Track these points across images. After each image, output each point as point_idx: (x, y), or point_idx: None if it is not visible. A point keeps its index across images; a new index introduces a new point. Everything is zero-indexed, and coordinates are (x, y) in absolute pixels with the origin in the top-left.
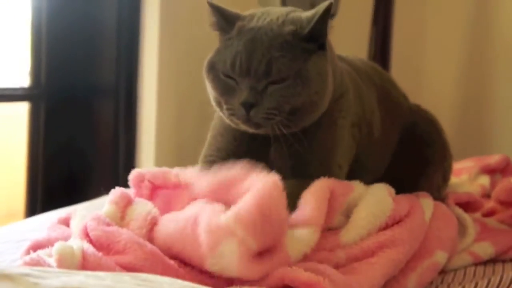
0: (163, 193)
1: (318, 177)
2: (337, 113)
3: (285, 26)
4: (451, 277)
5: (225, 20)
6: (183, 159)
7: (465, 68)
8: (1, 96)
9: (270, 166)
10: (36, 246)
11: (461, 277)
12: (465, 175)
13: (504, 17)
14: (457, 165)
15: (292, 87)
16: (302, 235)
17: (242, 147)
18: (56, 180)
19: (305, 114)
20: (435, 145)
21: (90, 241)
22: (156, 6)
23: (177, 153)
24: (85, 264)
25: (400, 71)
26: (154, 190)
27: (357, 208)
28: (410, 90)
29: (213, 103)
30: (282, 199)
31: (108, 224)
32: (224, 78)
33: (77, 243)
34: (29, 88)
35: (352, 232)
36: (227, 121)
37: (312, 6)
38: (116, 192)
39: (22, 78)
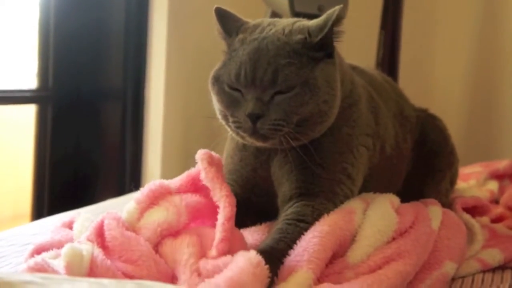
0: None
1: (323, 187)
2: (343, 122)
3: (292, 35)
4: (459, 284)
5: (229, 29)
6: (190, 163)
7: (473, 73)
8: (8, 98)
9: (275, 184)
10: (40, 250)
11: (469, 284)
12: (473, 180)
13: None
14: (465, 170)
15: (299, 96)
16: (299, 279)
17: (248, 168)
18: (62, 183)
19: (314, 124)
20: (443, 153)
21: (102, 242)
22: (164, 9)
23: (183, 156)
24: (93, 270)
25: (409, 76)
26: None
27: (361, 227)
28: (418, 95)
29: (219, 117)
30: (261, 278)
31: (127, 228)
32: (229, 90)
33: (87, 248)
34: (37, 90)
35: (359, 251)
36: (234, 135)
37: (320, 9)
38: (144, 190)
39: (29, 80)
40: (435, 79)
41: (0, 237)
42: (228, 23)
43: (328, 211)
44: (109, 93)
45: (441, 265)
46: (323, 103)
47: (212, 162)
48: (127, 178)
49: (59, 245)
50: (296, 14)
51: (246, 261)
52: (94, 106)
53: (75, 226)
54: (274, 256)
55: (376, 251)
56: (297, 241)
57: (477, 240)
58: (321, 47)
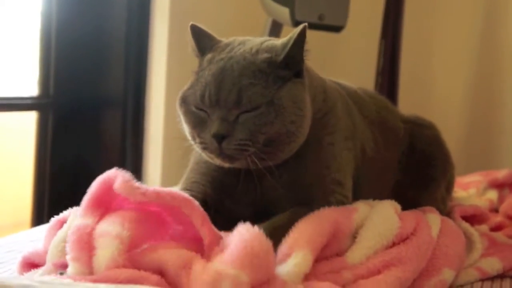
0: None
1: (315, 200)
2: (322, 131)
3: (259, 55)
4: None
5: (203, 48)
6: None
7: (473, 83)
8: (10, 105)
9: (261, 194)
10: (27, 262)
11: None
12: (473, 189)
13: None
14: (465, 179)
15: (264, 115)
16: (296, 259)
17: (230, 177)
18: (63, 190)
19: (282, 145)
20: (437, 161)
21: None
22: (165, 18)
23: (184, 164)
24: None
25: (409, 85)
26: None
27: (362, 228)
28: (418, 104)
29: (189, 137)
30: (267, 244)
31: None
32: (196, 110)
33: None
34: (38, 98)
35: (359, 252)
36: (203, 155)
37: (320, 18)
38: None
39: (30, 88)
40: (435, 88)
41: None
42: (203, 41)
43: None
44: (109, 101)
45: (439, 272)
46: (290, 123)
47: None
48: None
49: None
50: (297, 23)
51: (246, 232)
52: (95, 113)
53: (65, 225)
54: (273, 232)
55: (376, 254)
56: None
57: (476, 249)
58: (287, 66)
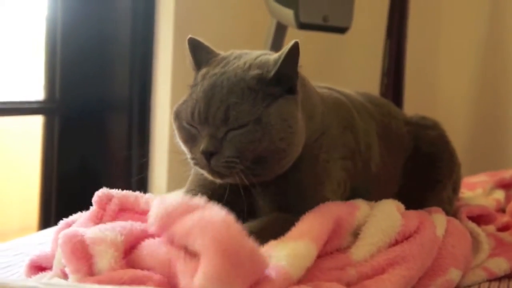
0: (128, 217)
1: (303, 211)
2: (317, 150)
3: (250, 71)
4: None
5: (200, 61)
6: None
7: (479, 82)
8: (16, 110)
9: (254, 206)
10: (34, 265)
11: None
12: (479, 190)
13: None
14: (471, 180)
15: (251, 133)
16: (298, 249)
17: (225, 189)
18: (69, 194)
19: (272, 162)
20: (442, 162)
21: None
22: (170, 20)
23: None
24: None
25: (414, 85)
26: (120, 212)
27: (365, 225)
28: (424, 104)
29: (185, 151)
30: (240, 234)
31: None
32: (187, 126)
33: None
34: (44, 102)
35: (362, 249)
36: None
37: (325, 20)
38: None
39: (36, 92)
40: (441, 87)
41: (7, 246)
42: (200, 54)
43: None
44: (115, 104)
45: (445, 272)
46: (279, 140)
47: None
48: (133, 189)
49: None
50: (301, 25)
51: (218, 224)
52: (100, 117)
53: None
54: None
55: (380, 252)
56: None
57: (483, 249)
58: (278, 82)
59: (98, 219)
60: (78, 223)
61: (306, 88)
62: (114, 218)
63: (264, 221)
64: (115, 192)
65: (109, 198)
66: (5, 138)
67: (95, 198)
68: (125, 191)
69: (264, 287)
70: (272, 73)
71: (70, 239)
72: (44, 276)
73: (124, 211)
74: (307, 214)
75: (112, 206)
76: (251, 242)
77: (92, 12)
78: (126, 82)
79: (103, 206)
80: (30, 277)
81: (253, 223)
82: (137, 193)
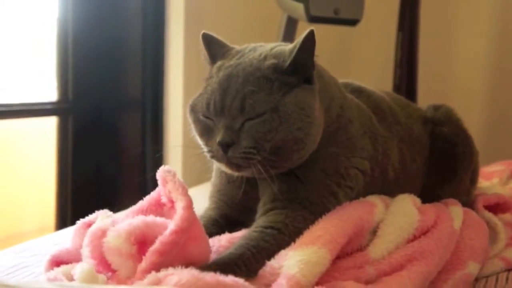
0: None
1: (303, 199)
2: (329, 144)
3: (266, 61)
4: (482, 284)
5: (214, 55)
6: (210, 172)
7: (493, 72)
8: (29, 111)
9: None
10: (56, 260)
11: (493, 284)
12: (496, 179)
13: None
14: (488, 169)
15: (268, 122)
16: (310, 255)
17: (238, 190)
18: (84, 194)
19: (290, 152)
20: (456, 157)
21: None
22: (181, 19)
23: (204, 165)
24: None
25: (428, 77)
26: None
27: (383, 222)
28: (437, 95)
29: (201, 145)
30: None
31: None
32: (203, 119)
33: (102, 278)
34: (57, 103)
35: (381, 246)
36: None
37: (336, 12)
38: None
39: (49, 93)
40: (454, 78)
41: (23, 247)
42: (214, 49)
43: (304, 218)
44: (128, 104)
45: (464, 265)
46: (296, 130)
47: (168, 177)
48: (148, 188)
49: (76, 254)
50: (312, 18)
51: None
52: (114, 117)
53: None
54: (230, 262)
55: (398, 249)
56: (268, 244)
57: (500, 239)
58: (294, 72)
59: (157, 205)
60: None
61: (324, 79)
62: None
63: (262, 236)
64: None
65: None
66: (20, 140)
67: (158, 175)
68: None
69: None
70: (288, 62)
71: (91, 240)
72: (68, 269)
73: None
74: (323, 218)
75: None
76: None
77: (103, 12)
78: (138, 81)
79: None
80: (50, 271)
81: (248, 241)
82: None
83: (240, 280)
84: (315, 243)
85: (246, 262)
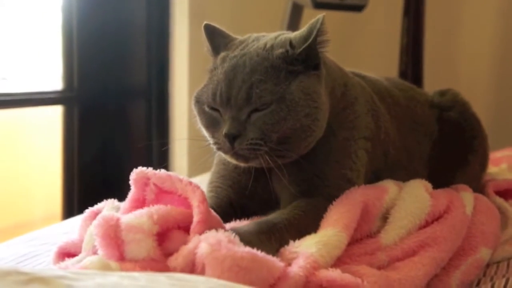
0: (169, 199)
1: (324, 194)
2: (339, 125)
3: (273, 50)
4: (494, 269)
5: (217, 46)
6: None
7: (501, 56)
8: (35, 100)
9: (274, 192)
10: (62, 252)
11: (504, 269)
12: (504, 164)
13: None
14: (496, 155)
15: (275, 113)
16: (329, 237)
17: (247, 176)
18: (91, 182)
19: (298, 141)
20: (464, 142)
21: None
22: (185, 7)
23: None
24: None
25: (434, 62)
26: (160, 194)
27: (394, 208)
28: (444, 80)
29: (207, 136)
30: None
31: None
32: (209, 110)
33: (116, 265)
34: (62, 92)
35: (392, 233)
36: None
37: None
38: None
39: (55, 82)
40: (461, 63)
41: (33, 236)
42: (217, 40)
43: (325, 207)
44: (133, 91)
45: (476, 251)
46: (304, 117)
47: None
48: None
49: (80, 245)
50: (317, 4)
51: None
52: (119, 105)
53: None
54: (266, 228)
55: (410, 234)
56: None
57: (511, 224)
58: (304, 59)
59: (141, 203)
60: (122, 209)
61: (326, 64)
62: (156, 201)
63: (291, 215)
64: (151, 172)
65: (146, 181)
66: (26, 129)
67: (132, 178)
68: (159, 172)
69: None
70: (302, 48)
71: (104, 223)
72: (75, 261)
73: (164, 193)
74: (335, 202)
75: (152, 188)
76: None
77: (108, 1)
78: (143, 69)
79: (142, 188)
80: (58, 263)
81: (280, 215)
82: (170, 172)
83: (271, 258)
84: (335, 226)
85: (280, 232)
